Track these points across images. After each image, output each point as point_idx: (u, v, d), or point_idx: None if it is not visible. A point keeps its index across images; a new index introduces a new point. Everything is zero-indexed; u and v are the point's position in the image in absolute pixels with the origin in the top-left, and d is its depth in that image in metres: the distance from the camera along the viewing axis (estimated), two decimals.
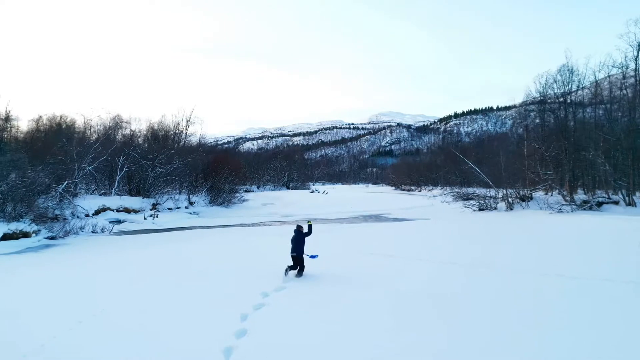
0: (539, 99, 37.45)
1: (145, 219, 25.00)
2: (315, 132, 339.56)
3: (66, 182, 24.19)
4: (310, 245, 10.30)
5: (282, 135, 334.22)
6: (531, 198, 31.55)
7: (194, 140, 57.70)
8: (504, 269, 9.80)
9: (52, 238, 17.77)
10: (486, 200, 31.95)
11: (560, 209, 25.99)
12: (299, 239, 9.63)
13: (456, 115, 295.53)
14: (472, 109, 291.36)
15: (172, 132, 52.36)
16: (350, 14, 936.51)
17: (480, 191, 39.81)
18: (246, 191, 67.27)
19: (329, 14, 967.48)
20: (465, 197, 41.29)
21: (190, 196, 35.94)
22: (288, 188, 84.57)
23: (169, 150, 32.56)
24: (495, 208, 31.19)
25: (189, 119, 54.36)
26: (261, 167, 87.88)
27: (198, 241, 16.49)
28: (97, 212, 25.95)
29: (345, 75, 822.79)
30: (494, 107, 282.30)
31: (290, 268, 9.46)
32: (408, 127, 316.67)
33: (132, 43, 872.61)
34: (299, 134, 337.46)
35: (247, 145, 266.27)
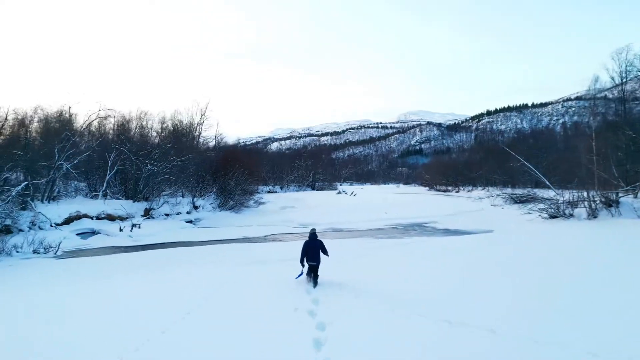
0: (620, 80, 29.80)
1: (120, 230, 19.47)
2: (343, 131, 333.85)
3: (25, 183, 19.00)
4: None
5: (310, 135, 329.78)
6: (618, 202, 24.47)
7: (209, 135, 53.02)
8: None
9: None
10: (559, 205, 25.02)
11: None
12: (317, 245, 9.00)
13: (489, 113, 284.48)
14: (506, 106, 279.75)
15: (186, 128, 47.51)
16: (376, 13, 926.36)
17: (538, 193, 33.13)
18: (269, 192, 62.14)
19: (356, 15, 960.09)
20: (520, 200, 34.72)
21: (195, 199, 30.51)
22: (313, 189, 78.73)
23: (165, 144, 27.02)
24: (572, 215, 24.18)
25: (204, 113, 49.27)
26: (285, 166, 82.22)
27: (160, 273, 10.76)
28: (67, 221, 20.71)
29: (373, 75, 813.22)
30: (529, 104, 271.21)
31: (310, 276, 8.94)
32: (438, 125, 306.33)
33: (166, 47, 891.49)
34: (326, 134, 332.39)
35: (275, 145, 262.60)
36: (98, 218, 22.51)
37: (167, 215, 26.45)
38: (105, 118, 28.34)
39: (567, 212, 24.37)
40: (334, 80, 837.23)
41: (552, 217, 24.56)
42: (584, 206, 24.01)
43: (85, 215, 21.88)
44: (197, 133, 48.97)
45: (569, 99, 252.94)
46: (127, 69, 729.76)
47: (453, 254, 12.83)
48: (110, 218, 23.06)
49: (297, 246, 15.26)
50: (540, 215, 24.95)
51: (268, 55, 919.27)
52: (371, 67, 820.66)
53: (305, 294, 8.40)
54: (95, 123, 28.19)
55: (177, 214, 27.49)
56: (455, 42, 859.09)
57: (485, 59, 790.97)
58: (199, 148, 44.92)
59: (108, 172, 26.88)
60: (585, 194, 24.49)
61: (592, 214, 23.32)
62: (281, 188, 72.07)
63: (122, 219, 23.45)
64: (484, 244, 15.07)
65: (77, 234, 19.54)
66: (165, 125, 45.08)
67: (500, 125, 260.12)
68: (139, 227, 20.48)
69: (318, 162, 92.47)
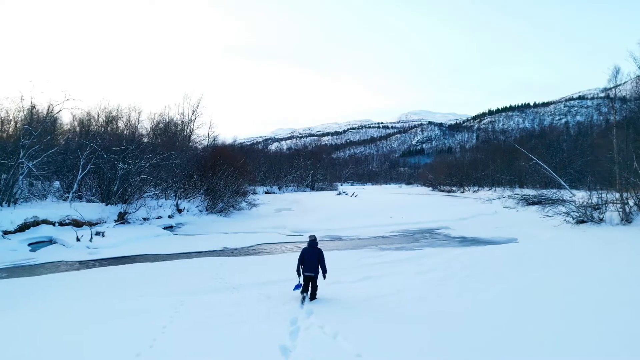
0: None
1: (78, 239, 16.46)
2: (344, 131, 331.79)
3: None
4: None
5: (311, 135, 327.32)
6: None
7: (202, 133, 50.36)
8: None
9: None
10: (586, 209, 22.11)
11: None
12: (314, 253, 8.22)
13: (490, 113, 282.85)
14: (508, 106, 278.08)
15: (177, 125, 44.64)
16: (378, 12, 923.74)
17: (554, 194, 30.37)
18: (266, 192, 59.54)
19: (357, 13, 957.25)
20: (534, 202, 32.04)
21: (180, 201, 27.58)
22: (312, 189, 75.82)
23: (140, 140, 24.08)
24: (602, 220, 21.26)
25: (195, 109, 46.35)
26: (284, 166, 79.23)
27: (87, 308, 7.82)
28: (22, 228, 17.76)
29: (374, 74, 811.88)
30: (531, 104, 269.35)
31: (304, 293, 8.11)
32: (440, 125, 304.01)
33: (166, 47, 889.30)
34: (327, 134, 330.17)
35: (275, 145, 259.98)
36: (61, 224, 19.54)
37: (145, 219, 23.51)
38: (88, 115, 25.28)
39: (595, 216, 21.50)
40: (335, 80, 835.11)
41: (580, 221, 21.69)
42: (617, 209, 21.18)
43: (45, 221, 18.91)
44: (188, 130, 46.13)
45: (571, 99, 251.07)
46: (127, 69, 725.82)
47: (485, 277, 9.86)
48: (77, 224, 20.09)
49: (284, 263, 12.31)
50: (565, 220, 22.06)
51: (268, 56, 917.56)
52: (372, 67, 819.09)
53: (281, 355, 5.49)
54: (76, 117, 25.17)
55: (157, 218, 24.55)
56: (456, 41, 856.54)
57: (486, 59, 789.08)
58: (191, 146, 42.19)
59: (80, 172, 23.99)
60: (617, 195, 21.66)
61: (626, 218, 20.50)
62: (279, 188, 69.32)
63: (91, 224, 20.51)
64: (515, 260, 12.10)
65: (30, 244, 16.63)
66: (156, 122, 42.28)
67: (503, 124, 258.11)
68: (103, 236, 17.45)
69: (318, 161, 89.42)
